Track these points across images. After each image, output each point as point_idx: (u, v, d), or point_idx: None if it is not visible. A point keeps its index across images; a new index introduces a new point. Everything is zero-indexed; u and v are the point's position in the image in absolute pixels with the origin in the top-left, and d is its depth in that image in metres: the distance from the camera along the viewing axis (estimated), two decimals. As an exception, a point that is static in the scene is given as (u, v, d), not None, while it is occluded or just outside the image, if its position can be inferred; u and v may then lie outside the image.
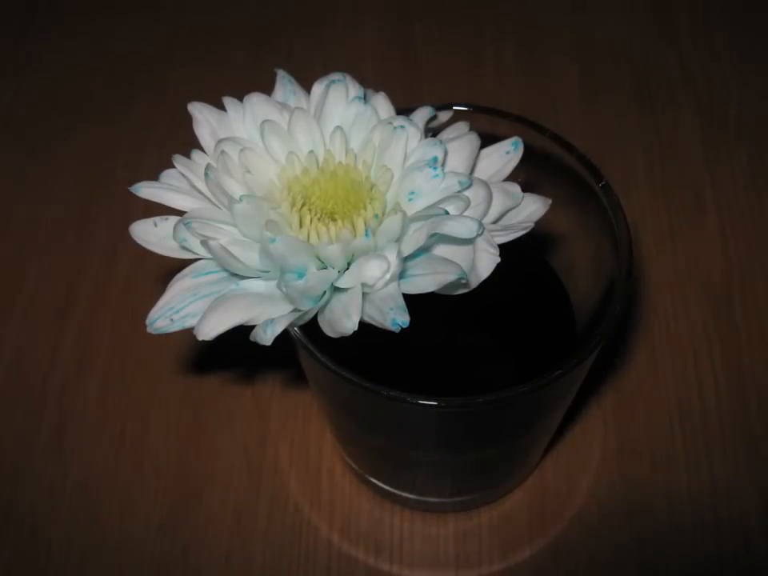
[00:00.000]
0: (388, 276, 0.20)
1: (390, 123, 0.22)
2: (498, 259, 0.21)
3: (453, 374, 0.28)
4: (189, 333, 0.21)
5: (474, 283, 0.21)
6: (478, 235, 0.20)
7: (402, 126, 0.22)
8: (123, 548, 0.33)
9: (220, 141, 0.22)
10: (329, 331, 0.20)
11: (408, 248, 0.20)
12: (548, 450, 0.34)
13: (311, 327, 0.21)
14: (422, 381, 0.24)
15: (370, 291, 0.20)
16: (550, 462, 0.34)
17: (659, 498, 0.33)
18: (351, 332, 0.20)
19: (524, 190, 0.23)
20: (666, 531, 0.32)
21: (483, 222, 0.22)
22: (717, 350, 0.37)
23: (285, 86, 0.24)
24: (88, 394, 0.36)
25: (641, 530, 0.32)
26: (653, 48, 0.47)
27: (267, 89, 0.23)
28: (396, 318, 0.19)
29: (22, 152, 0.45)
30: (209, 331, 0.20)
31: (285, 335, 0.20)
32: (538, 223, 0.23)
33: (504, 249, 0.21)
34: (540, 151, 0.26)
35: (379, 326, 0.20)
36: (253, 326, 0.20)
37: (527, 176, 0.25)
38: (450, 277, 0.20)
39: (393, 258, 0.20)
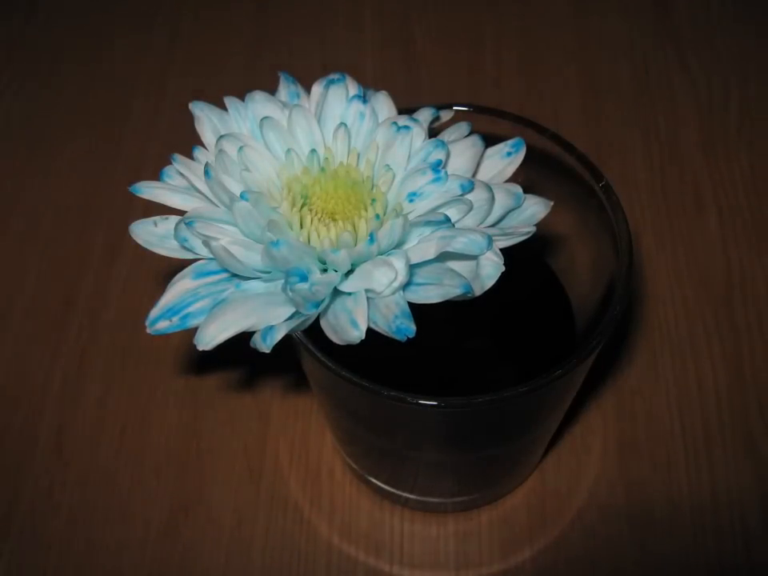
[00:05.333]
0: (396, 284, 0.20)
1: (395, 123, 0.22)
2: (503, 268, 0.21)
3: (453, 375, 0.28)
4: (189, 333, 0.21)
5: (479, 292, 0.21)
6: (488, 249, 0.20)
7: (406, 127, 0.22)
8: (123, 548, 0.33)
9: (219, 138, 0.22)
10: (334, 338, 0.20)
11: (415, 257, 0.20)
12: (548, 450, 0.34)
13: (311, 327, 0.21)
14: (422, 381, 0.24)
15: (375, 296, 0.20)
16: (550, 462, 0.34)
17: (659, 498, 0.33)
18: (358, 341, 0.19)
19: (524, 190, 0.23)
20: (665, 531, 0.32)
21: (485, 223, 0.22)
22: (717, 350, 0.37)
23: (288, 88, 0.24)
24: (88, 394, 0.36)
25: (641, 530, 0.32)
26: (653, 48, 0.47)
27: (267, 89, 0.23)
28: (402, 326, 0.19)
29: (22, 152, 0.45)
30: (209, 341, 0.20)
31: (285, 335, 0.20)
32: (537, 224, 0.23)
33: (503, 250, 0.21)
34: (540, 151, 0.26)
35: (384, 333, 0.20)
36: (254, 331, 0.20)
37: (527, 176, 0.25)
38: (456, 291, 0.19)
39: (401, 266, 0.20)
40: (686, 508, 0.33)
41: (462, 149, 0.23)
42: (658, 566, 0.32)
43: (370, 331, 0.20)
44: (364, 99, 0.23)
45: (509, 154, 0.24)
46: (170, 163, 0.22)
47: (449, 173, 0.21)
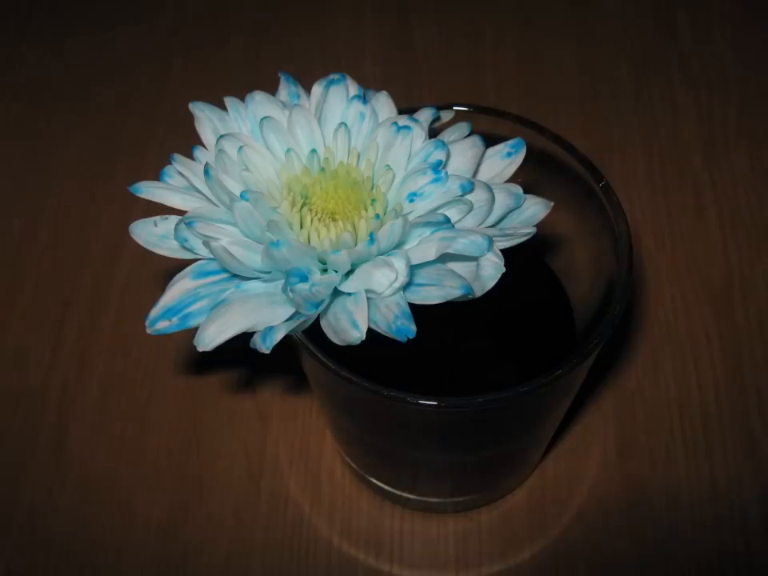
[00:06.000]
0: (396, 285, 0.20)
1: (396, 123, 0.22)
2: (503, 269, 0.21)
3: (453, 375, 0.28)
4: (189, 333, 0.21)
5: (479, 293, 0.21)
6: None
7: (407, 127, 0.22)
8: (123, 548, 0.33)
9: (219, 138, 0.22)
10: (334, 339, 0.20)
11: (416, 258, 0.20)
12: (548, 450, 0.34)
13: (312, 327, 0.21)
14: (422, 381, 0.24)
15: (375, 297, 0.20)
16: (550, 462, 0.34)
17: (659, 498, 0.33)
18: (359, 342, 0.19)
19: (524, 190, 0.23)
20: (665, 531, 0.32)
21: (485, 223, 0.22)
22: (717, 350, 0.37)
23: (288, 88, 0.24)
24: (88, 393, 0.36)
25: (641, 530, 0.32)
26: (653, 48, 0.47)
27: (267, 89, 0.23)
28: (402, 326, 0.19)
29: (22, 152, 0.45)
30: (209, 342, 0.20)
31: (285, 335, 0.20)
32: (537, 224, 0.23)
33: (504, 251, 0.21)
34: (540, 151, 0.26)
35: (384, 333, 0.20)
36: (254, 331, 0.20)
37: (527, 177, 0.25)
38: (457, 292, 0.19)
39: (401, 267, 0.20)
40: (686, 507, 0.33)
41: (462, 149, 0.23)
42: (658, 565, 0.32)
43: (370, 331, 0.20)
44: (364, 99, 0.23)
45: (509, 154, 0.24)
46: (170, 163, 0.22)
47: (449, 173, 0.21)
